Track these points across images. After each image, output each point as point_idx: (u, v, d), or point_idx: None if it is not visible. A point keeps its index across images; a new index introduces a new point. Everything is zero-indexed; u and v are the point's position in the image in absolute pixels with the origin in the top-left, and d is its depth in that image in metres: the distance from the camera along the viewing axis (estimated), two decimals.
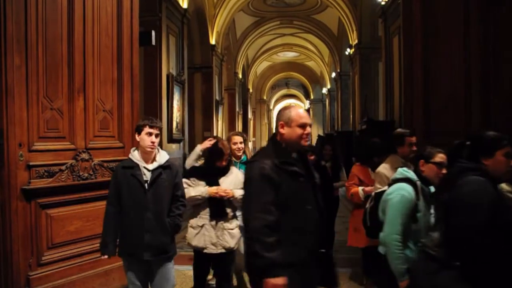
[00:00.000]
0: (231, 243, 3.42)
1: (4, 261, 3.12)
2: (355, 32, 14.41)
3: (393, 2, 9.51)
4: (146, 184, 2.85)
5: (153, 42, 4.77)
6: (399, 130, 4.03)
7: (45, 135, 3.40)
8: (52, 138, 3.47)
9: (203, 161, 3.68)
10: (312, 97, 31.34)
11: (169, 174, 2.95)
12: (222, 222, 3.42)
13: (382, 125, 9.41)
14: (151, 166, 2.90)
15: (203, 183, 3.43)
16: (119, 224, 2.89)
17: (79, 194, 3.64)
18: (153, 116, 10.21)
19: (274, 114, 40.25)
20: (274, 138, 2.30)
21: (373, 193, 3.10)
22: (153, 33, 4.76)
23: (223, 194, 3.36)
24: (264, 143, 32.17)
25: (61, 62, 3.52)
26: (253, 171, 2.14)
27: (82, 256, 3.64)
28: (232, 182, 3.46)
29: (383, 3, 10.27)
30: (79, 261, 3.62)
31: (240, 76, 21.95)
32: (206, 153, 3.61)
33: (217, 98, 16.11)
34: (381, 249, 2.61)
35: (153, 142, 2.86)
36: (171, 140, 10.33)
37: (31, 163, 3.27)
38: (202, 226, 3.41)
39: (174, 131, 10.49)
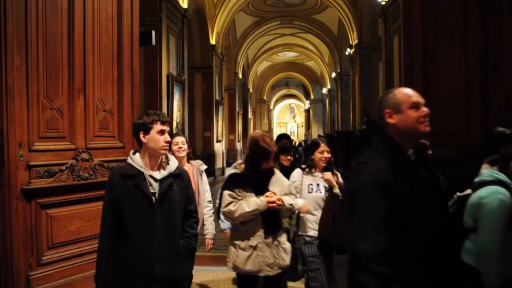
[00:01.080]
0: (287, 260, 2.91)
1: (4, 261, 3.12)
2: (355, 32, 14.42)
3: (393, 2, 9.52)
4: (154, 198, 2.23)
5: (153, 42, 4.77)
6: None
7: (45, 135, 3.40)
8: (52, 138, 3.46)
9: (242, 166, 3.04)
10: (312, 97, 31.36)
11: (181, 185, 2.35)
12: (277, 238, 2.89)
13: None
14: (159, 175, 2.29)
15: (251, 193, 2.84)
16: (119, 254, 2.22)
17: (80, 194, 3.64)
18: None
19: (274, 114, 40.44)
20: (381, 132, 1.76)
21: (455, 196, 2.72)
22: (153, 33, 4.76)
23: (280, 203, 2.80)
24: None
25: (61, 62, 3.52)
26: (362, 177, 1.61)
27: (82, 256, 3.64)
28: (280, 187, 2.94)
29: (383, 3, 10.28)
30: (80, 261, 3.62)
31: (240, 76, 21.96)
32: (246, 156, 3.03)
33: (217, 98, 16.12)
34: (468, 259, 2.36)
35: (167, 142, 2.30)
36: None
37: (31, 163, 3.27)
38: (255, 247, 2.80)
39: (174, 131, 10.49)
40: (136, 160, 2.27)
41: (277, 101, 39.46)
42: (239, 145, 22.34)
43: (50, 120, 3.42)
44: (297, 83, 33.38)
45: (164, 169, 2.32)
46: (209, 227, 3.62)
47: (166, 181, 2.28)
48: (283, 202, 2.80)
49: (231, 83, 20.53)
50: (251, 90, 26.87)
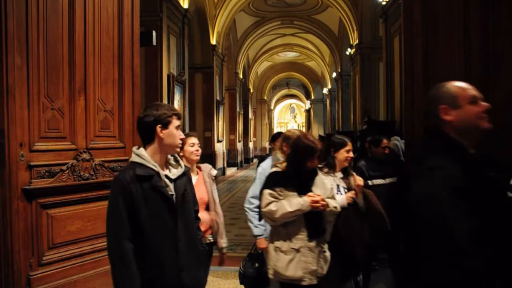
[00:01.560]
0: (325, 269, 2.67)
1: (5, 261, 3.12)
2: (355, 32, 14.42)
3: (393, 2, 9.51)
4: (174, 201, 2.00)
5: (154, 42, 4.78)
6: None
7: (46, 135, 3.40)
8: (53, 138, 3.47)
9: (284, 165, 2.79)
10: (312, 97, 31.35)
11: (189, 184, 2.17)
12: (320, 243, 2.67)
13: (383, 125, 9.42)
14: (173, 174, 2.07)
15: (294, 193, 2.63)
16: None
17: (80, 194, 3.64)
18: None
19: (275, 114, 40.44)
20: (437, 130, 1.52)
21: None
22: (154, 33, 4.77)
23: (324, 203, 2.59)
24: (265, 143, 32.27)
25: (62, 62, 3.52)
26: (435, 182, 1.35)
27: (83, 256, 3.64)
28: (323, 189, 2.73)
29: (383, 3, 10.29)
30: (80, 261, 3.62)
31: (241, 76, 21.96)
32: (289, 153, 2.79)
33: (218, 98, 16.13)
34: None
35: (182, 139, 2.09)
36: None
37: (32, 163, 3.27)
38: (298, 250, 2.57)
39: None
40: (148, 158, 1.95)
41: (278, 101, 39.46)
42: (239, 145, 22.33)
43: (50, 120, 3.43)
44: (298, 83, 33.38)
45: (173, 167, 2.11)
46: (225, 239, 3.37)
47: (180, 181, 2.07)
48: (327, 203, 2.60)
49: (232, 83, 20.54)
50: (251, 90, 26.88)
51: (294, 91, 35.89)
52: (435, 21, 4.63)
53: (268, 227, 3.01)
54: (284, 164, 2.77)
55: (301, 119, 41.67)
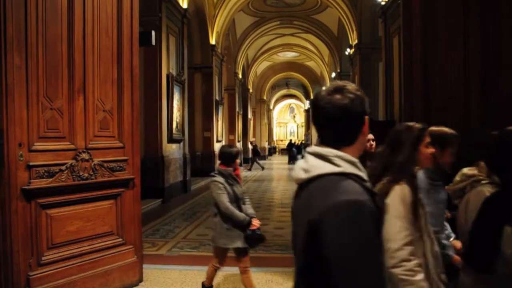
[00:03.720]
0: None
1: (4, 261, 3.12)
2: (355, 32, 14.42)
3: (393, 2, 9.52)
4: None
5: (153, 42, 4.77)
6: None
7: (45, 135, 3.40)
8: (52, 138, 3.47)
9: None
10: (312, 97, 31.35)
11: None
12: None
13: (382, 125, 9.41)
14: None
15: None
16: None
17: (79, 194, 3.64)
18: (153, 116, 10.15)
19: (274, 114, 40.44)
20: None
21: None
22: (153, 33, 4.76)
23: None
24: (264, 143, 32.27)
25: (61, 62, 3.52)
26: None
27: (82, 256, 3.64)
28: None
29: (383, 3, 10.29)
30: (80, 261, 3.62)
31: (240, 76, 21.96)
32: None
33: (217, 98, 16.13)
34: None
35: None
36: (171, 140, 10.34)
37: (31, 163, 3.27)
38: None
39: (174, 131, 10.49)
40: (360, 166, 1.28)
41: (277, 101, 39.46)
42: (239, 145, 22.33)
43: (50, 120, 3.42)
44: (297, 83, 33.38)
45: None
46: None
47: None
48: None
49: (231, 83, 20.54)
50: (251, 90, 26.87)
51: (293, 91, 35.89)
52: (434, 21, 4.63)
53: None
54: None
55: (301, 119, 41.68)
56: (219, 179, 3.50)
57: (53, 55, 3.44)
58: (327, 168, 1.21)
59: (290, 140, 30.89)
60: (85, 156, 3.67)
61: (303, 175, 1.25)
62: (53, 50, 3.44)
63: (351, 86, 1.30)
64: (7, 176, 3.11)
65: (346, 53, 15.91)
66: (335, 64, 20.32)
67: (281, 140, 41.72)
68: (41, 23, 3.33)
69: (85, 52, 3.70)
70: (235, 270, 4.61)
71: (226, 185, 3.48)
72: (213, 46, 15.06)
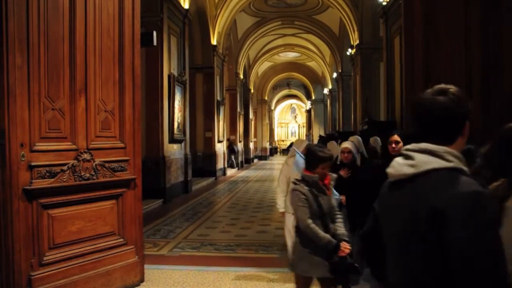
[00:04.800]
0: None
1: (6, 261, 3.13)
2: (356, 32, 14.42)
3: (394, 2, 9.51)
4: None
5: (155, 43, 4.78)
6: None
7: (46, 135, 3.41)
8: (54, 138, 3.47)
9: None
10: (313, 97, 31.35)
11: None
12: None
13: (383, 125, 9.41)
14: None
15: None
16: None
17: (81, 195, 3.64)
18: (154, 116, 10.19)
19: (276, 114, 40.43)
20: None
21: None
22: (154, 33, 4.77)
23: None
24: (266, 143, 32.28)
25: (63, 63, 3.53)
26: None
27: (84, 256, 3.64)
28: None
29: (384, 3, 10.29)
30: (81, 261, 3.62)
31: (242, 76, 21.96)
32: None
33: (219, 98, 16.13)
34: None
35: None
36: (172, 140, 10.35)
37: (32, 164, 3.28)
38: None
39: (175, 131, 10.50)
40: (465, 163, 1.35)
41: (278, 101, 39.46)
42: (240, 146, 22.33)
43: (51, 120, 3.43)
44: (298, 84, 33.37)
45: None
46: None
47: None
48: None
49: (232, 83, 20.54)
50: (252, 91, 26.87)
51: (294, 92, 35.89)
52: (435, 21, 4.63)
53: None
54: None
55: (302, 119, 41.67)
56: (301, 188, 2.80)
57: (54, 55, 3.45)
58: (440, 163, 1.28)
59: (291, 144, 30.89)
60: (86, 156, 3.68)
61: (409, 170, 1.31)
62: (54, 50, 3.45)
63: (453, 89, 1.41)
64: (9, 176, 3.12)
65: (348, 53, 15.91)
66: (336, 64, 20.32)
67: (282, 141, 41.72)
68: (42, 22, 3.34)
69: (87, 52, 3.71)
70: (235, 269, 4.62)
71: (310, 195, 2.77)
72: (215, 46, 15.07)
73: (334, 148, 5.41)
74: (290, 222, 3.98)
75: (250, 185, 14.02)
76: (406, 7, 5.31)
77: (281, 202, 4.36)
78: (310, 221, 2.72)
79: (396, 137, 3.71)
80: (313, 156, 2.87)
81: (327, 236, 2.70)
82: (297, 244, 2.86)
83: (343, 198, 3.84)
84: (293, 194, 2.87)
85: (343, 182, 4.03)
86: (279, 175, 4.60)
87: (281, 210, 4.37)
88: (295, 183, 2.89)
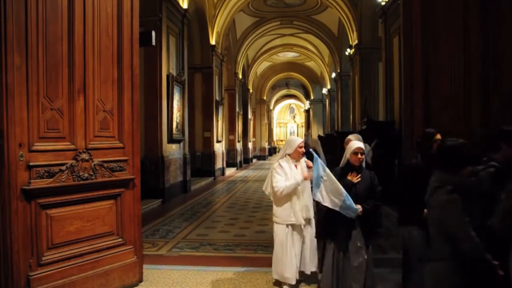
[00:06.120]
0: None
1: (4, 261, 3.12)
2: (355, 32, 14.42)
3: (393, 2, 9.52)
4: None
5: (153, 43, 4.77)
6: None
7: (45, 135, 3.40)
8: (52, 138, 3.47)
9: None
10: (312, 97, 31.35)
11: None
12: None
13: (382, 126, 9.42)
14: None
15: None
16: None
17: (79, 195, 3.64)
18: (153, 116, 10.17)
19: (274, 114, 40.43)
20: None
21: None
22: (153, 33, 4.76)
23: None
24: (264, 143, 32.26)
25: (61, 62, 3.52)
26: None
27: (82, 256, 3.64)
28: None
29: (383, 3, 10.29)
30: (80, 261, 3.62)
31: (240, 76, 21.95)
32: None
33: (217, 98, 16.12)
34: None
35: None
36: (171, 140, 10.34)
37: (31, 163, 3.27)
38: None
39: (174, 131, 10.49)
40: None
41: (277, 101, 39.45)
42: (239, 145, 22.33)
43: (50, 120, 3.42)
44: (297, 84, 33.37)
45: None
46: None
47: None
48: None
49: (231, 83, 20.53)
50: (251, 91, 26.86)
51: (293, 91, 35.88)
52: (434, 21, 4.63)
53: None
54: None
55: (301, 119, 41.68)
56: (456, 196, 2.21)
57: (53, 55, 3.44)
58: None
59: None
60: (85, 156, 3.67)
61: None
62: (53, 50, 3.44)
63: None
64: (7, 176, 3.11)
65: (346, 53, 15.92)
66: (335, 64, 20.32)
67: (281, 140, 41.71)
68: (41, 22, 3.33)
69: (85, 52, 3.70)
70: (234, 270, 4.62)
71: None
72: (213, 46, 15.06)
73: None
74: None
75: (249, 185, 14.01)
76: (405, 7, 5.31)
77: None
78: (477, 240, 2.15)
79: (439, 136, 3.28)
80: (455, 153, 2.31)
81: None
82: (442, 272, 2.29)
83: (360, 208, 3.39)
84: (448, 203, 2.22)
85: (348, 189, 3.42)
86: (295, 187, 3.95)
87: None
88: (449, 191, 2.23)
